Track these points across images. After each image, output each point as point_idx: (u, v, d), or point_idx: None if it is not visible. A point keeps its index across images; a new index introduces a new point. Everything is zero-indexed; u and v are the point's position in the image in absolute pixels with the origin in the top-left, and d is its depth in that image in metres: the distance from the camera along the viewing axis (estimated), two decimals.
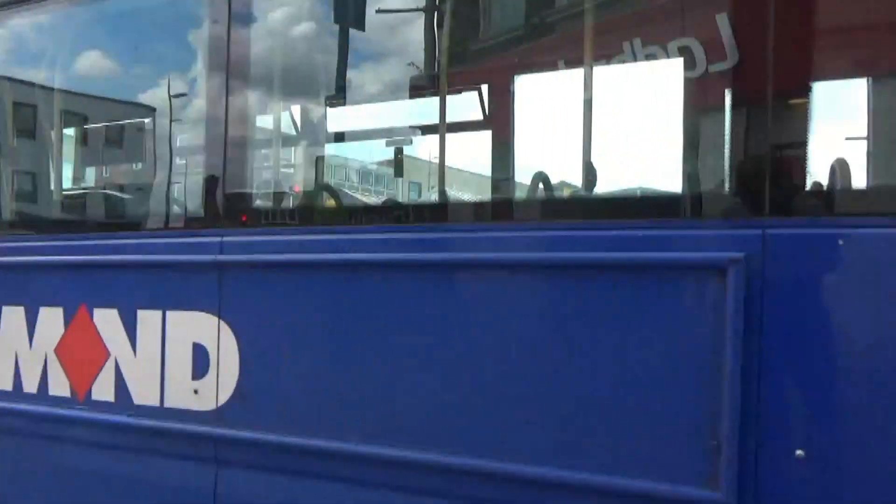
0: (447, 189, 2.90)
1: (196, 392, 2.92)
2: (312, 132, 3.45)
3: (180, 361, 2.95)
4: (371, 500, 2.62)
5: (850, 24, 2.19)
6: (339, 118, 3.37)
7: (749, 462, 2.05)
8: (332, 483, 2.67)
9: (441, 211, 2.92)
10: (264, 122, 3.35)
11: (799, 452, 2.01)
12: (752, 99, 2.17)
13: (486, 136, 3.11)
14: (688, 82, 2.50)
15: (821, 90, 2.15)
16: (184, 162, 3.44)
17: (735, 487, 2.05)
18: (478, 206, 2.84)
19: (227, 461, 2.88)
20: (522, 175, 2.79)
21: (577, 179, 2.63)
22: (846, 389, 1.99)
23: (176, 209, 3.30)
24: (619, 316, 2.24)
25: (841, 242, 1.98)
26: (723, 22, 2.31)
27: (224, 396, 2.87)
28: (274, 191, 3.26)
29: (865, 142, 2.16)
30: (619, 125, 2.45)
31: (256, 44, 3.07)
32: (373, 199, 3.11)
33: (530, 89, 2.89)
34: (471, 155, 3.09)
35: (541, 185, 2.70)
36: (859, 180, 2.17)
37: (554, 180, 2.71)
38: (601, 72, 2.55)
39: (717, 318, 2.08)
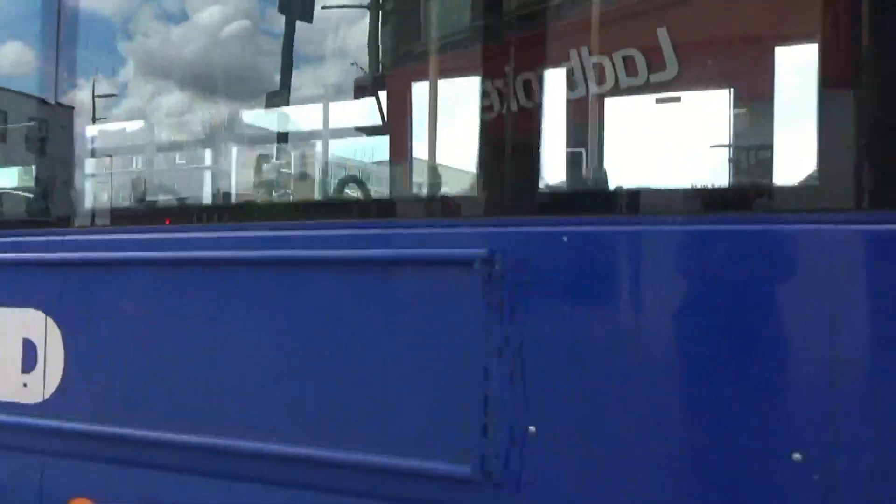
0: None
1: (25, 385, 3.05)
2: (148, 137, 3.58)
3: (11, 356, 3.08)
4: (180, 483, 2.77)
5: None
6: (169, 124, 3.52)
7: (492, 438, 2.26)
8: (147, 470, 2.82)
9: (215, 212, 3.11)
10: (103, 125, 3.47)
11: (531, 429, 2.22)
12: (497, 104, 2.38)
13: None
14: (443, 90, 2.71)
15: (553, 96, 2.38)
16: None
17: (479, 462, 2.26)
18: (240, 207, 3.03)
19: (52, 452, 3.01)
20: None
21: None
22: (571, 370, 2.20)
23: (10, 208, 3.40)
24: (387, 308, 2.43)
25: (565, 239, 2.20)
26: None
27: (50, 389, 3.00)
28: (96, 191, 3.39)
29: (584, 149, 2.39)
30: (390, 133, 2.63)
31: (86, 47, 3.19)
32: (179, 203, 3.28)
33: None
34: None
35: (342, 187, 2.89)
36: (583, 182, 2.40)
37: (335, 182, 2.90)
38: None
39: (467, 309, 2.29)
